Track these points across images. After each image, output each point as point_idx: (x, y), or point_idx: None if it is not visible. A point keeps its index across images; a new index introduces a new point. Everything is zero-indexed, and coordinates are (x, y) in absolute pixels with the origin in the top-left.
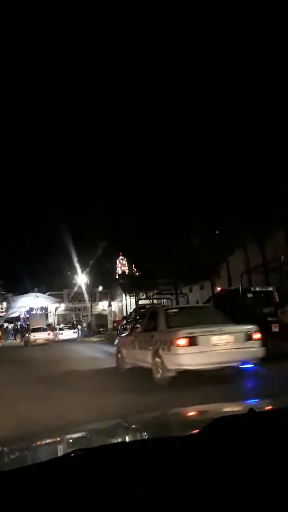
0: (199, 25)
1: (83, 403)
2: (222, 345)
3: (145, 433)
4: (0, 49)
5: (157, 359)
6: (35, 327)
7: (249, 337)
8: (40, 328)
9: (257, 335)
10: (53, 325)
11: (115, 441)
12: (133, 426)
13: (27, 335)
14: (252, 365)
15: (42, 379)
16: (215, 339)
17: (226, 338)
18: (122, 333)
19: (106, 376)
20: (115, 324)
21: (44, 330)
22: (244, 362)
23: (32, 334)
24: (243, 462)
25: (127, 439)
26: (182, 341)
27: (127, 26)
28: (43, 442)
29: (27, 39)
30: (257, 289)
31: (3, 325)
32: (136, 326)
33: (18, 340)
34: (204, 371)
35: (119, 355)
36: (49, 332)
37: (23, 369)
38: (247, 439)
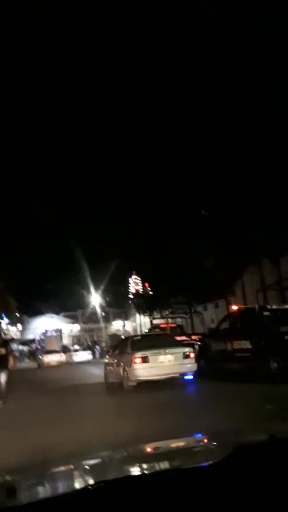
0: (199, 28)
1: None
2: (167, 362)
3: (166, 463)
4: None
5: (125, 373)
6: (48, 349)
7: (186, 356)
8: (53, 350)
9: (192, 355)
10: (68, 346)
11: (132, 471)
12: (149, 454)
13: (40, 357)
14: (192, 377)
15: (52, 401)
16: (161, 358)
17: (169, 357)
18: None
19: (95, 387)
20: None
21: (56, 352)
22: (183, 374)
23: (45, 356)
24: (271, 494)
25: (146, 470)
26: (138, 360)
27: (128, 29)
28: (59, 470)
29: (25, 43)
30: (274, 306)
31: (12, 350)
32: (115, 349)
33: (33, 363)
34: (155, 380)
35: (105, 372)
36: (61, 354)
37: (35, 393)
38: (273, 468)
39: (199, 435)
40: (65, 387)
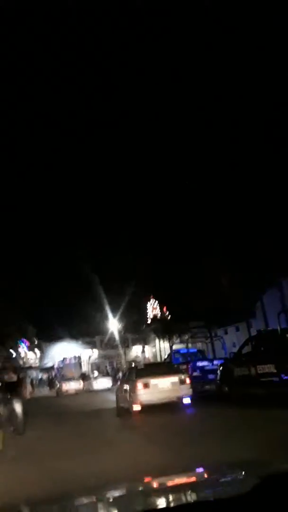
0: (199, 31)
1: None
2: (165, 388)
3: (193, 494)
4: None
5: (130, 399)
6: (66, 377)
7: (182, 382)
8: (71, 378)
9: (187, 380)
10: (87, 373)
11: (159, 503)
12: (176, 485)
13: (58, 386)
14: (189, 401)
15: (69, 428)
16: (160, 384)
17: (167, 383)
18: None
19: (110, 413)
20: None
21: (75, 379)
22: (179, 398)
23: (64, 384)
24: None
25: (172, 502)
26: (140, 386)
27: (128, 25)
28: (81, 503)
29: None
30: None
31: (24, 377)
32: (124, 378)
33: (52, 391)
34: (156, 404)
35: (116, 399)
36: (80, 382)
37: (52, 421)
38: None
39: (226, 465)
40: (83, 412)
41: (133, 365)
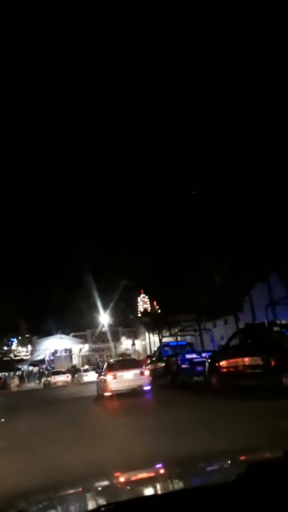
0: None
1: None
2: (129, 378)
3: (179, 482)
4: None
5: (103, 387)
6: (55, 370)
7: (142, 373)
8: (59, 371)
9: (145, 373)
10: (77, 367)
11: (144, 491)
12: (162, 474)
13: (48, 378)
14: (149, 388)
15: (55, 412)
16: (125, 375)
17: (130, 375)
18: None
19: (90, 399)
20: None
21: (63, 373)
22: (141, 386)
23: (53, 377)
24: None
25: (158, 490)
26: (110, 377)
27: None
28: (70, 492)
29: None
30: (283, 322)
31: (21, 371)
32: (101, 371)
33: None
34: (122, 391)
35: (97, 388)
36: (67, 375)
37: (41, 412)
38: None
39: (213, 454)
40: (69, 400)
41: (120, 359)
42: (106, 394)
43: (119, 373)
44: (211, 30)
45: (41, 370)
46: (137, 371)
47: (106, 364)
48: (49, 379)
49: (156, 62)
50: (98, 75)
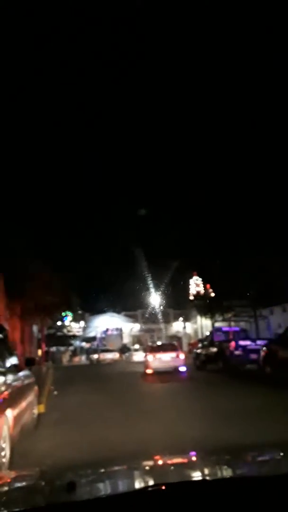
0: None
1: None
2: (166, 359)
3: (229, 470)
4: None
5: (146, 365)
6: (103, 349)
7: (177, 356)
8: (108, 349)
9: (181, 355)
10: (127, 346)
11: (194, 475)
12: (213, 460)
13: (95, 355)
14: (185, 369)
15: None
16: (163, 357)
17: (167, 357)
18: (196, 356)
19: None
20: (190, 347)
21: (111, 351)
22: (176, 367)
23: (102, 353)
24: None
25: (208, 476)
26: (151, 357)
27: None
28: (118, 469)
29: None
30: None
31: (74, 347)
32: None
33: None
34: (160, 370)
35: (144, 366)
36: (115, 353)
37: (90, 386)
38: None
39: (264, 444)
40: (115, 376)
41: (162, 343)
42: (148, 371)
43: (158, 355)
44: (211, 30)
45: (92, 347)
46: (174, 354)
47: (148, 347)
48: (96, 356)
49: (156, 62)
50: (98, 75)
